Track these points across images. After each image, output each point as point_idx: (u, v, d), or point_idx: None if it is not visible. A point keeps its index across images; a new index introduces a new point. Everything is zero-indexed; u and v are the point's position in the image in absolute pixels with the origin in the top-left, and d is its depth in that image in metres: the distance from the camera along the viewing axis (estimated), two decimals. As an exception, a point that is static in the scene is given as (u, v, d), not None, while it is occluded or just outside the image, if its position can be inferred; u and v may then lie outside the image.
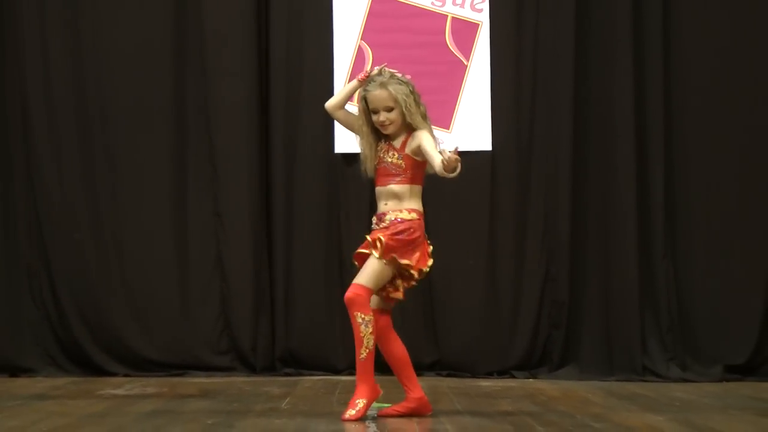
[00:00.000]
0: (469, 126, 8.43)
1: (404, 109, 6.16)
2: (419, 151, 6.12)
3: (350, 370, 8.30)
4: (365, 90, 6.28)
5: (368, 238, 6.17)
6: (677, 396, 7.29)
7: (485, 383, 8.02)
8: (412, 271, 6.15)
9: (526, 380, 8.22)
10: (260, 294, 8.55)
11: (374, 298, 6.16)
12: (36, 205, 8.57)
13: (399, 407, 6.24)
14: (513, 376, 8.32)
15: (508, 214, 8.49)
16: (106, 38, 8.61)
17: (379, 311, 6.19)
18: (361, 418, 6.01)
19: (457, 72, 8.43)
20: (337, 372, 8.38)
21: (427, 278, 8.30)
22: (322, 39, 8.49)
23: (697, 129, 8.50)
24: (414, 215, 6.17)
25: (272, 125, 8.56)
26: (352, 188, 8.45)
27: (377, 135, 6.31)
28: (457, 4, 8.42)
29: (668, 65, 8.47)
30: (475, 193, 8.44)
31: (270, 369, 8.46)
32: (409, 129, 6.21)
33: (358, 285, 6.08)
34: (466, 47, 8.43)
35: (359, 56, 8.43)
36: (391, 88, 6.22)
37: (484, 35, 8.44)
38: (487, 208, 8.45)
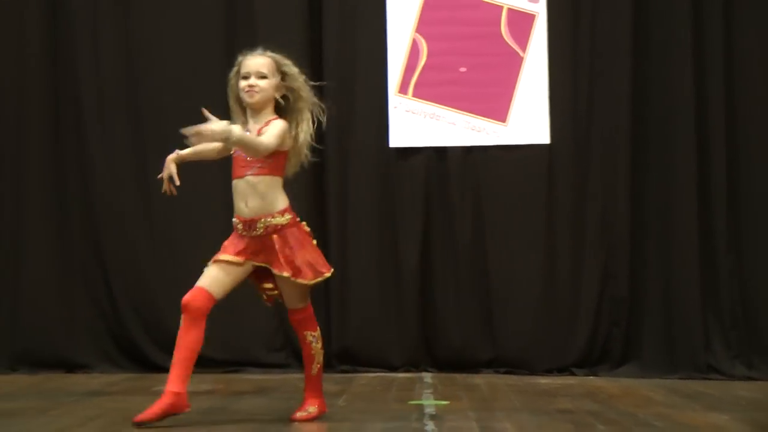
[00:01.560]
0: (526, 119, 8.35)
1: (293, 82, 5.85)
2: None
3: (407, 366, 8.35)
4: (243, 56, 5.95)
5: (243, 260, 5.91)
6: (742, 395, 7.17)
7: (544, 381, 7.95)
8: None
9: (585, 378, 8.11)
10: (315, 290, 8.42)
11: (211, 278, 6.00)
12: (90, 202, 8.62)
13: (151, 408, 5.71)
14: (573, 374, 8.22)
15: (567, 209, 8.38)
16: (158, 37, 8.67)
17: (209, 294, 6.01)
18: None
19: (513, 64, 8.36)
20: (393, 369, 8.33)
21: (485, 273, 8.35)
22: (376, 32, 8.45)
23: (760, 120, 8.34)
24: (288, 216, 5.89)
25: (326, 118, 8.49)
26: (406, 183, 8.43)
27: (241, 115, 5.96)
28: (513, -5, 8.42)
29: (729, 55, 8.33)
30: (533, 186, 8.40)
31: (326, 366, 8.27)
32: (276, 115, 5.87)
33: (296, 310, 5.99)
34: (522, 38, 8.36)
35: (413, 49, 8.39)
36: (274, 56, 5.92)
37: (540, 26, 8.36)
38: (544, 203, 8.36)
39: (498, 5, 8.36)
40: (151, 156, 8.57)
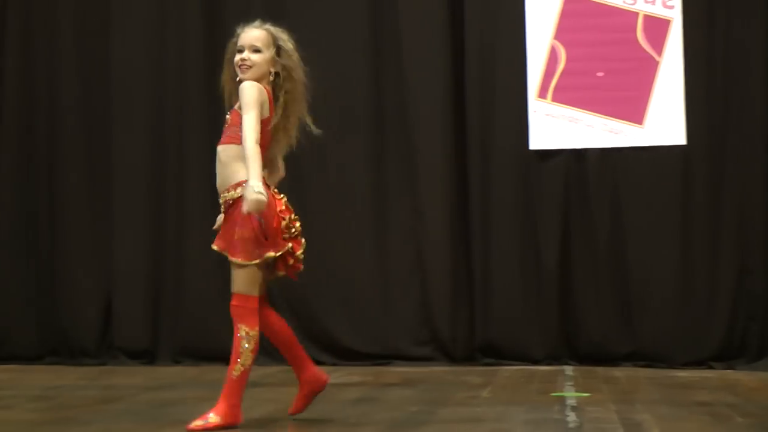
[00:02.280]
0: (662, 121, 8.28)
1: (287, 59, 5.42)
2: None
3: (548, 360, 8.32)
4: (241, 29, 5.53)
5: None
6: None
7: (682, 374, 7.87)
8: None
9: (723, 371, 7.99)
10: (459, 286, 8.56)
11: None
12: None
13: (298, 402, 5.64)
14: (710, 367, 8.11)
15: (703, 207, 8.28)
16: (309, 41, 8.63)
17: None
18: None
19: (649, 68, 8.30)
20: (535, 362, 8.31)
21: (623, 269, 8.28)
22: (516, 39, 8.46)
23: None
24: (240, 191, 5.27)
25: (468, 123, 8.56)
26: (546, 184, 8.42)
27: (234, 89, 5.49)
28: (649, 2, 8.29)
29: None
30: (670, 186, 8.31)
31: (470, 359, 8.46)
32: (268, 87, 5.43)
33: (237, 295, 5.32)
34: (658, 43, 8.29)
35: (552, 55, 8.39)
36: (270, 29, 5.50)
37: (675, 31, 8.30)
38: (681, 201, 8.29)
39: (634, 12, 8.31)
40: (306, 158, 8.71)
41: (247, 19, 8.58)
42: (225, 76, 5.58)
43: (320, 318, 8.58)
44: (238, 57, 5.43)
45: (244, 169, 5.25)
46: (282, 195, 5.52)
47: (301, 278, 8.43)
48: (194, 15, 8.88)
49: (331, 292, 8.63)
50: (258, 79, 5.40)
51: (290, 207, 5.51)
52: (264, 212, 5.25)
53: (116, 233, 8.78)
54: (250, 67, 5.41)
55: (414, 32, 8.58)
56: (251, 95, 5.30)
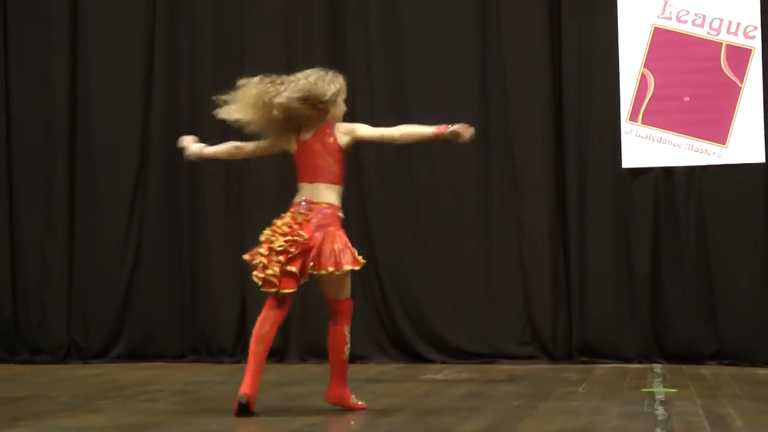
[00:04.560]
0: (743, 141, 8.26)
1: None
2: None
3: (639, 358, 8.31)
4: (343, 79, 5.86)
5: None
6: None
7: (763, 372, 7.79)
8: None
9: (806, 370, 7.91)
10: (558, 291, 8.58)
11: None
12: (365, 212, 8.79)
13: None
14: (792, 366, 8.04)
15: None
16: (425, 69, 8.82)
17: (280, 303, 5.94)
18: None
19: (731, 93, 8.27)
20: (627, 360, 8.31)
21: (708, 276, 8.23)
22: (609, 67, 8.48)
23: None
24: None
25: (566, 143, 8.60)
26: (637, 198, 8.43)
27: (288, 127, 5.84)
28: (731, 33, 8.27)
29: None
30: (751, 199, 8.29)
31: (568, 357, 8.48)
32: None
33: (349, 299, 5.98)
34: (740, 71, 8.26)
35: (642, 82, 8.41)
36: None
37: (756, 59, 8.27)
38: (762, 213, 8.26)
39: (717, 42, 8.30)
40: (416, 166, 8.74)
41: (366, 21, 8.73)
42: (300, 106, 5.85)
43: (432, 320, 8.63)
44: (345, 109, 5.93)
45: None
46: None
47: (414, 283, 8.58)
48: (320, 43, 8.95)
49: (441, 296, 8.67)
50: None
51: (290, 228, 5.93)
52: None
53: (250, 243, 8.75)
54: None
55: (517, 60, 8.63)
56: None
